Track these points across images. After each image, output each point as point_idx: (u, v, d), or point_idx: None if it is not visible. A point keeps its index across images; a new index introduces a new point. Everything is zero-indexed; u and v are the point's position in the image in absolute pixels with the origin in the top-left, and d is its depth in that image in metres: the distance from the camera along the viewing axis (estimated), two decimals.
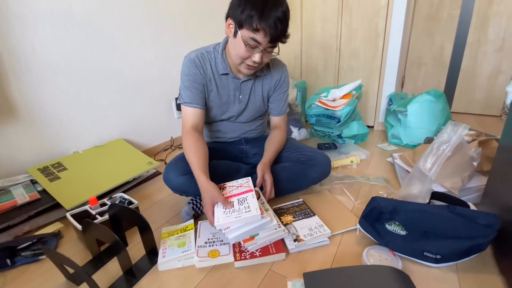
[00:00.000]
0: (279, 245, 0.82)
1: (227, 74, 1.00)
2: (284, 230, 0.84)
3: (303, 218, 0.94)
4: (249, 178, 0.95)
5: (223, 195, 0.86)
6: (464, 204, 0.88)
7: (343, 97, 1.61)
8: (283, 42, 0.89)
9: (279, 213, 0.98)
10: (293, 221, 0.93)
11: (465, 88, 2.15)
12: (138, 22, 1.49)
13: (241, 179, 0.96)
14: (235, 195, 0.87)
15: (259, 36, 0.82)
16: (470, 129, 1.33)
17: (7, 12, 1.05)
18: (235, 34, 0.86)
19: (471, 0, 1.94)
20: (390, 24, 1.69)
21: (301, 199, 1.06)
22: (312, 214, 0.96)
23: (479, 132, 1.24)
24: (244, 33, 0.83)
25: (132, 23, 1.47)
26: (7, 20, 1.06)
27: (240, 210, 0.80)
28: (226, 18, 0.89)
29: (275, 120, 1.15)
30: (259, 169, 0.99)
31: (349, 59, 1.91)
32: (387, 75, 1.81)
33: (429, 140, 1.29)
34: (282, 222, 0.92)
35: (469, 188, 1.02)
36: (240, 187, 0.91)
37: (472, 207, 0.89)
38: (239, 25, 0.83)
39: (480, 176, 1.07)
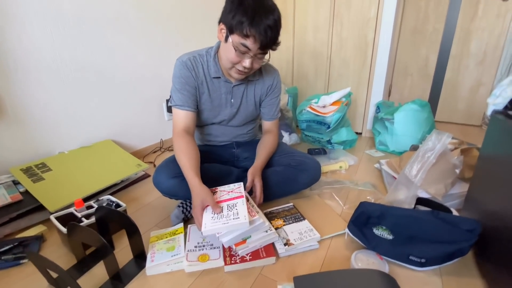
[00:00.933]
0: (269, 249, 0.83)
1: (219, 77, 1.01)
2: (275, 234, 0.84)
3: (293, 222, 0.95)
4: (241, 183, 0.95)
5: (214, 199, 0.86)
6: (447, 210, 0.92)
7: (333, 103, 1.64)
8: (273, 50, 0.90)
9: (269, 217, 0.99)
10: (284, 225, 0.94)
11: (448, 98, 2.24)
12: (130, 23, 1.48)
13: (233, 184, 0.96)
14: (225, 201, 0.87)
15: (249, 42, 0.83)
16: (452, 138, 1.39)
17: None
18: (226, 39, 0.87)
19: (455, 16, 2.04)
20: (378, 35, 1.74)
21: (292, 204, 1.07)
22: (302, 218, 0.97)
23: (461, 141, 1.30)
24: (234, 38, 0.84)
25: (124, 23, 1.45)
26: None
27: (229, 216, 0.79)
28: (219, 22, 0.90)
29: (267, 124, 1.16)
30: (250, 173, 0.99)
31: (339, 67, 1.95)
32: (375, 84, 1.86)
33: (414, 148, 1.34)
34: (272, 226, 0.92)
35: (452, 194, 1.06)
36: (231, 192, 0.91)
37: (455, 212, 0.93)
38: (230, 31, 0.84)
39: (462, 183, 1.11)
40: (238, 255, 0.80)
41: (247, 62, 0.88)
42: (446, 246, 0.75)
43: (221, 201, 0.87)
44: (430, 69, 2.23)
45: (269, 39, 0.83)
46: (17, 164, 1.17)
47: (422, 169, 0.95)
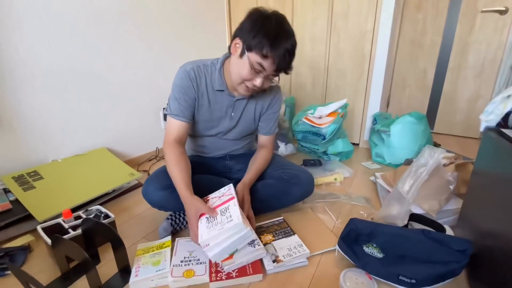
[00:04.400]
0: (257, 266, 0.81)
1: (222, 90, 0.99)
2: (263, 249, 0.83)
3: (282, 237, 0.93)
4: (231, 185, 0.93)
5: (207, 206, 0.85)
6: (440, 227, 0.90)
7: (329, 115, 1.64)
8: (286, 73, 0.91)
9: (258, 232, 0.97)
10: (273, 240, 0.92)
11: (447, 110, 2.23)
12: (127, 31, 1.50)
13: (223, 188, 0.94)
14: (217, 206, 0.86)
15: (267, 63, 0.84)
16: (448, 151, 1.37)
17: None
18: (241, 55, 0.87)
19: (452, 28, 2.05)
20: (375, 47, 1.75)
21: (282, 217, 1.05)
22: (292, 233, 0.95)
23: (457, 155, 1.28)
24: (252, 56, 0.84)
25: (121, 32, 1.47)
26: None
27: (223, 222, 0.78)
28: (234, 36, 0.89)
29: (263, 139, 1.15)
30: (239, 189, 0.96)
31: (336, 78, 1.96)
32: (372, 95, 1.86)
33: (408, 162, 1.32)
34: (261, 242, 0.91)
35: (446, 211, 1.04)
36: (222, 196, 0.90)
37: (449, 230, 0.91)
38: (248, 48, 0.84)
39: (457, 199, 1.09)
40: (224, 271, 0.78)
41: (258, 81, 0.88)
42: (437, 266, 0.73)
43: (214, 208, 0.86)
44: (428, 80, 2.23)
45: (286, 62, 0.85)
46: (9, 172, 1.16)
47: (414, 185, 0.93)
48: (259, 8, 0.87)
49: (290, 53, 0.84)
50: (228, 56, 0.97)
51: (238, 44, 0.87)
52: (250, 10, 0.88)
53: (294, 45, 0.86)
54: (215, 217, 0.81)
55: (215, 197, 0.91)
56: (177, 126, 0.97)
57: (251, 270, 0.79)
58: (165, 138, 0.98)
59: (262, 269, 0.81)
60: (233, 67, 0.92)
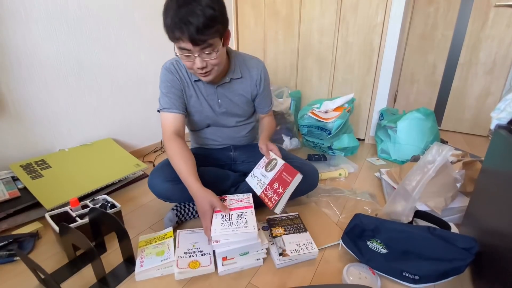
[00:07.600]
0: (291, 171, 0.88)
1: (199, 80, 0.99)
2: (261, 262, 0.83)
3: (293, 233, 0.93)
4: (250, 194, 0.95)
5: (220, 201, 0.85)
6: (445, 225, 0.90)
7: (335, 109, 1.62)
8: (212, 37, 0.78)
9: (271, 224, 0.97)
10: (283, 234, 0.92)
11: (455, 107, 2.19)
12: (134, 23, 1.49)
13: (242, 194, 0.96)
14: (234, 209, 0.87)
15: (183, 44, 0.78)
16: (456, 149, 1.35)
17: (0, 7, 1.04)
18: (174, 49, 0.85)
19: (464, 23, 1.99)
20: (385, 41, 1.71)
21: (297, 213, 1.04)
22: (304, 230, 0.94)
23: (464, 153, 1.26)
24: (175, 46, 0.82)
25: (128, 24, 1.46)
26: (0, 15, 1.04)
27: (238, 225, 0.79)
28: None
29: (263, 115, 1.19)
30: (263, 145, 1.02)
31: (343, 72, 1.93)
32: (380, 90, 1.83)
33: (415, 159, 1.31)
34: (272, 234, 0.91)
35: (452, 209, 1.03)
36: (240, 201, 0.91)
37: (454, 227, 0.90)
38: (170, 39, 0.81)
39: (464, 197, 1.08)
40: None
41: (197, 63, 0.83)
42: (441, 263, 0.73)
43: (231, 209, 0.87)
44: (437, 76, 2.18)
45: (195, 31, 0.74)
46: (17, 160, 1.18)
47: (421, 182, 0.92)
48: None
49: (192, 20, 0.72)
50: None
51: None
52: None
53: (193, 10, 0.72)
54: (230, 217, 0.83)
55: (233, 199, 0.92)
56: (171, 119, 0.96)
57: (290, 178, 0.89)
58: (163, 134, 0.96)
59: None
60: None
